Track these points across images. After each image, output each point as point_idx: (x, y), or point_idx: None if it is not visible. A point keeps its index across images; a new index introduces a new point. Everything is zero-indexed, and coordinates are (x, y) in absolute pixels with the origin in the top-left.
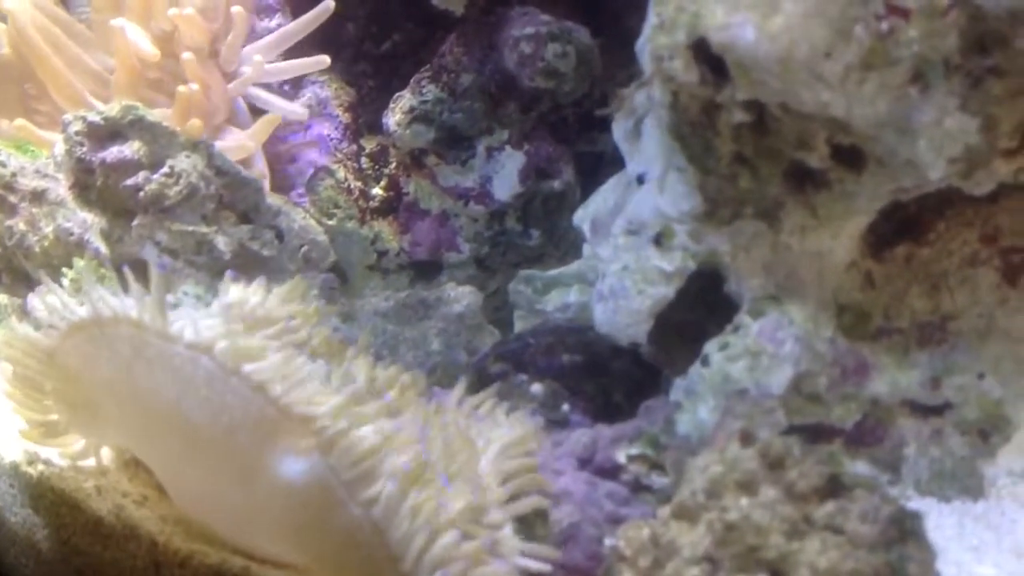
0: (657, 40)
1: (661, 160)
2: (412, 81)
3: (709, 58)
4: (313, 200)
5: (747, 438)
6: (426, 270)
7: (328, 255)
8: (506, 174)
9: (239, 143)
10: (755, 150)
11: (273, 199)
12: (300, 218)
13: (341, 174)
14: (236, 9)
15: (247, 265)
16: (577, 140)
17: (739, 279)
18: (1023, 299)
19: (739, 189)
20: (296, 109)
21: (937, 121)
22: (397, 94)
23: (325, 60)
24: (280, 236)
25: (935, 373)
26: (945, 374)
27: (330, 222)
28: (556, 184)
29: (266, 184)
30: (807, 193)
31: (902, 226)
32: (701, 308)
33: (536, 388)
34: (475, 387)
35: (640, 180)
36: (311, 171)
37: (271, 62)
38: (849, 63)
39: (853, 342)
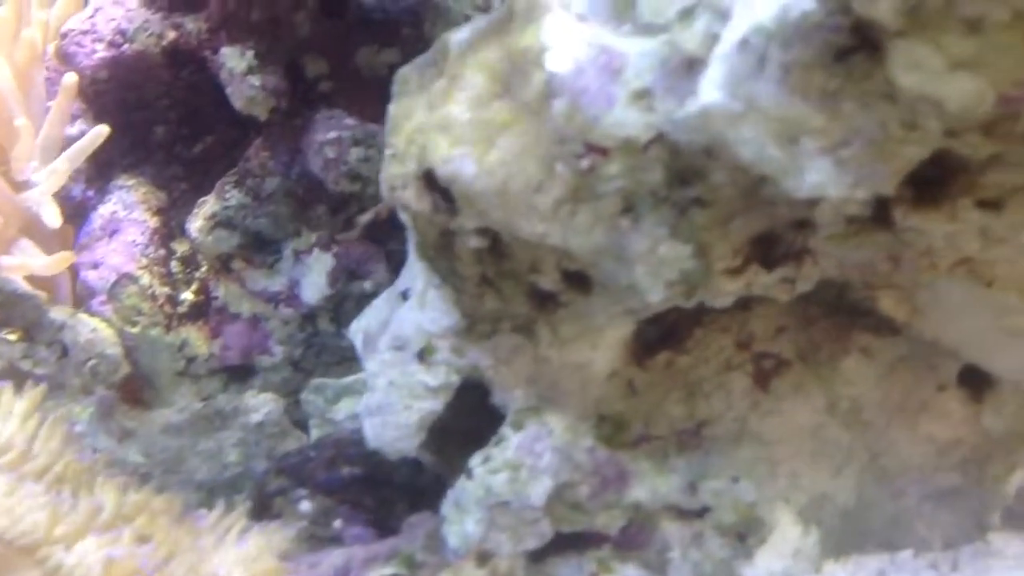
0: (390, 170)
1: (422, 277)
2: (217, 186)
3: (439, 188)
4: (115, 308)
5: (483, 558)
6: (239, 374)
7: (118, 368)
8: (315, 276)
9: (22, 264)
10: (496, 272)
11: (58, 312)
12: (90, 330)
13: (146, 280)
14: (20, 121)
15: (21, 386)
16: (389, 240)
17: (503, 391)
18: (774, 403)
19: (488, 308)
20: (53, 220)
21: (651, 249)
22: (202, 199)
23: (104, 130)
24: (64, 351)
25: (692, 478)
26: (701, 478)
27: (133, 330)
28: (367, 284)
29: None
30: (550, 312)
31: (665, 333)
32: (474, 419)
33: (305, 506)
34: (256, 504)
35: (404, 296)
36: (113, 278)
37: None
38: (558, 197)
39: (613, 451)
